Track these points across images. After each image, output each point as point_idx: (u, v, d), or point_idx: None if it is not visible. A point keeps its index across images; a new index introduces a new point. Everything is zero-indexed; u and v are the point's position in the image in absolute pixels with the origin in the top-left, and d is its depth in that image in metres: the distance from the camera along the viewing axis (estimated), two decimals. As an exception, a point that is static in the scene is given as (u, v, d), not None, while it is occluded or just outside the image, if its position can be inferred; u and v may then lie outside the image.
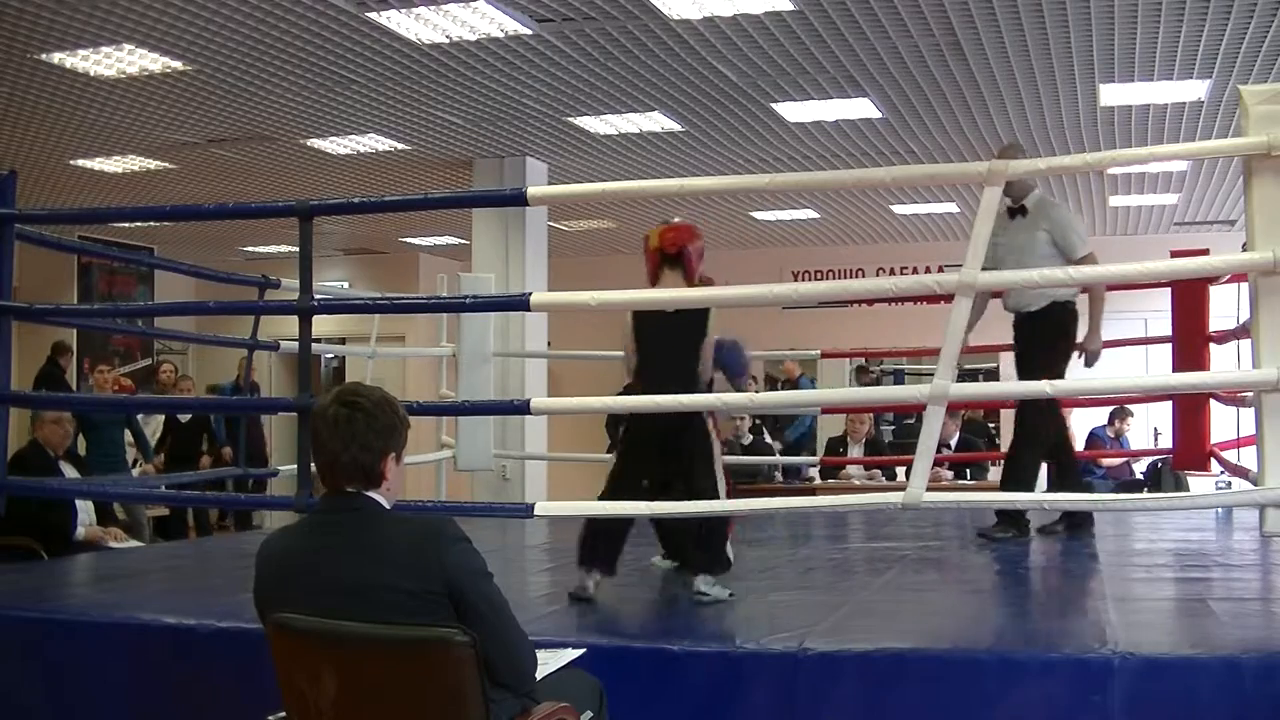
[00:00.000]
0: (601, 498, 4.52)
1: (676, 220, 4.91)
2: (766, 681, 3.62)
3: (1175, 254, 6.40)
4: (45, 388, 10.44)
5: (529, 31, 7.26)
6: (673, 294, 4.65)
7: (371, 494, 2.77)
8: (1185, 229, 13.81)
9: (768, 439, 10.48)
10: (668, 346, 4.57)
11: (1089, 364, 6.00)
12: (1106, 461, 10.98)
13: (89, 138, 9.73)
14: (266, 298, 7.07)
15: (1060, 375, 5.68)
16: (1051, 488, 6.32)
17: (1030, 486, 5.95)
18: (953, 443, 10.32)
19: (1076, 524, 6.13)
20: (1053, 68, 8.00)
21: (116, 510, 7.96)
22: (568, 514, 4.84)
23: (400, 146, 10.18)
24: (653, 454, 4.56)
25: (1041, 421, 5.93)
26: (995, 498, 5.80)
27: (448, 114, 9.23)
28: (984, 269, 4.16)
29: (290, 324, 4.67)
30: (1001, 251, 5.82)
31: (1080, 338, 5.97)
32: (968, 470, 10.55)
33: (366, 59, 7.79)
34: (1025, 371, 5.91)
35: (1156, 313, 8.89)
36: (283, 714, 2.73)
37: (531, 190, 5.01)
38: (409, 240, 15.10)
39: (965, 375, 11.12)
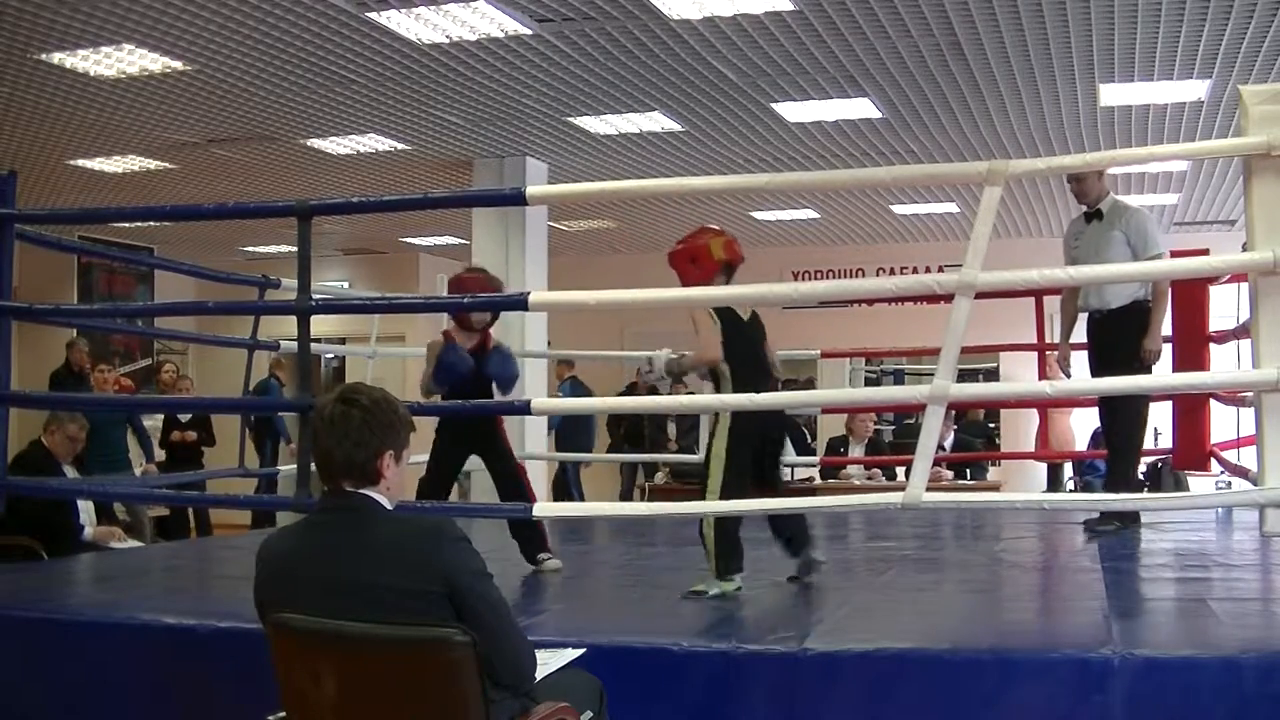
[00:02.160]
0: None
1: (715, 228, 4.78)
2: (766, 681, 3.62)
3: (1175, 254, 6.41)
4: (57, 389, 10.41)
5: (529, 31, 7.26)
6: (671, 294, 4.63)
7: (371, 493, 2.77)
8: (1185, 229, 13.80)
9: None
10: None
11: (1149, 365, 5.86)
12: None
13: (89, 138, 9.73)
14: (267, 298, 7.08)
15: (1146, 373, 5.71)
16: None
17: (1135, 485, 5.98)
18: (947, 444, 10.32)
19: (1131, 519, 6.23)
20: (1053, 68, 7.99)
21: (117, 510, 7.95)
22: (568, 514, 4.84)
23: (400, 146, 10.18)
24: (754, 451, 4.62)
25: (1138, 423, 5.99)
26: (995, 498, 5.86)
27: (448, 114, 9.23)
28: None
29: (293, 323, 4.67)
30: (1078, 254, 5.97)
31: None
32: (967, 470, 10.56)
33: (366, 59, 7.79)
34: (1107, 369, 5.76)
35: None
36: (283, 714, 2.73)
37: (531, 190, 5.01)
38: (409, 240, 15.09)
39: (965, 375, 11.18)
